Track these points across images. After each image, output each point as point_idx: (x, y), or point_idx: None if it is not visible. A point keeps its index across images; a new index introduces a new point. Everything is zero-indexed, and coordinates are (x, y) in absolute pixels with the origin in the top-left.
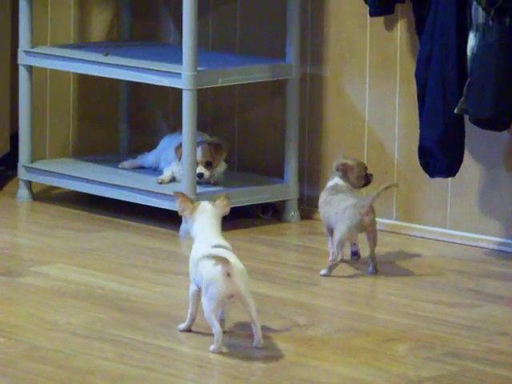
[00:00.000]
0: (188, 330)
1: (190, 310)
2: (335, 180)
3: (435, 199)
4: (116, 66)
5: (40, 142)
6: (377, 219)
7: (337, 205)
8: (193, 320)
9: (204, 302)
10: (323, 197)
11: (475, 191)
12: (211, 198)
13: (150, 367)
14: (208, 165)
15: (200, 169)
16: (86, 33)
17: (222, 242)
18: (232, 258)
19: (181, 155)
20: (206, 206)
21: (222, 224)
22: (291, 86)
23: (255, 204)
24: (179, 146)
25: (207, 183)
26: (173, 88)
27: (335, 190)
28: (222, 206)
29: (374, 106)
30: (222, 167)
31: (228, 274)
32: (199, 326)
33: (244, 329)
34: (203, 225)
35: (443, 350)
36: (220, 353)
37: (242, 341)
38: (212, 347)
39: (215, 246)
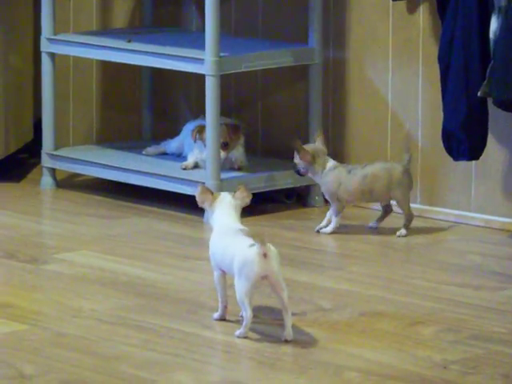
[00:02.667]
0: (223, 318)
1: (219, 298)
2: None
3: (459, 182)
4: (139, 53)
5: (63, 130)
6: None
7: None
8: (225, 307)
9: (237, 284)
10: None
11: (499, 174)
12: (235, 182)
13: (175, 353)
14: (225, 145)
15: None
16: (109, 19)
17: (244, 227)
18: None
19: (196, 137)
20: (225, 197)
21: (247, 210)
22: (314, 71)
23: (279, 189)
24: (195, 129)
25: (231, 168)
26: (196, 74)
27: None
28: (241, 197)
29: (397, 89)
30: (239, 150)
31: (265, 255)
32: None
33: (269, 313)
34: (222, 215)
35: (468, 333)
36: (245, 338)
37: (267, 326)
38: (238, 332)
39: (241, 230)
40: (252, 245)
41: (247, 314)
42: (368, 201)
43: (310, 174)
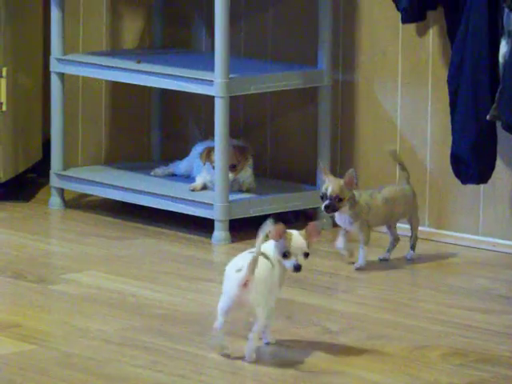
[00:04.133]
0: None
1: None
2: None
3: (467, 206)
4: (148, 74)
5: (72, 150)
6: (409, 226)
7: None
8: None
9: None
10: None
11: (507, 198)
12: (244, 204)
13: (183, 374)
14: (233, 167)
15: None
16: (119, 40)
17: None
18: (261, 267)
19: (205, 160)
20: (297, 239)
21: (255, 232)
22: (323, 93)
23: (287, 211)
24: (203, 151)
25: (239, 190)
26: (205, 95)
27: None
28: (306, 236)
29: (406, 112)
30: (247, 172)
31: (245, 284)
32: (232, 335)
33: (276, 336)
34: None
35: (476, 356)
36: (222, 354)
37: (275, 347)
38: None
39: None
40: (239, 270)
41: (217, 322)
42: (385, 224)
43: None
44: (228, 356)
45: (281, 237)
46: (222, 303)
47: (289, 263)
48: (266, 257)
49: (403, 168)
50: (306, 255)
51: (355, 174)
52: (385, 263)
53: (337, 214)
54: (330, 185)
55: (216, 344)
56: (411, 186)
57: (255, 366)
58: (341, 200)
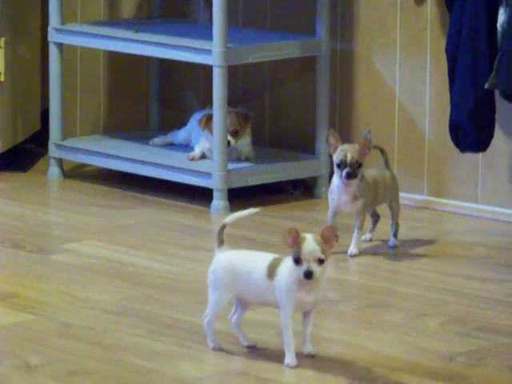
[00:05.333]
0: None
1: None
2: None
3: (466, 174)
4: (146, 43)
5: (71, 120)
6: (409, 195)
7: None
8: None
9: None
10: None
11: (506, 166)
12: (242, 173)
13: (182, 343)
14: (235, 133)
15: (227, 137)
16: (117, 10)
17: (288, 260)
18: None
19: (204, 126)
20: (309, 241)
21: (253, 201)
22: (321, 62)
23: (286, 180)
24: (203, 118)
25: (238, 159)
26: (203, 65)
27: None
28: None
29: (405, 81)
30: (246, 140)
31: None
32: (230, 303)
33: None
34: None
35: (474, 324)
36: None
37: (274, 318)
38: None
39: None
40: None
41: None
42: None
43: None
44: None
45: (296, 241)
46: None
47: (300, 270)
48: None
49: (382, 151)
50: (321, 261)
51: (370, 135)
52: (384, 233)
53: (341, 188)
54: (347, 151)
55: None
56: (391, 170)
57: (254, 334)
58: (360, 166)
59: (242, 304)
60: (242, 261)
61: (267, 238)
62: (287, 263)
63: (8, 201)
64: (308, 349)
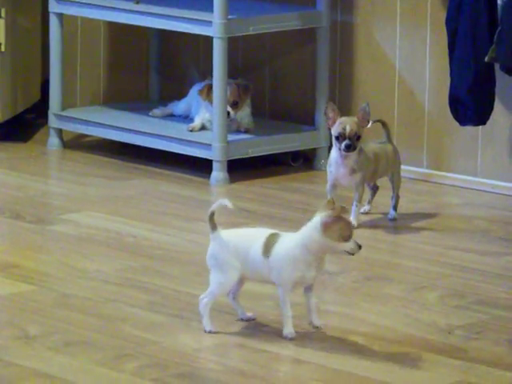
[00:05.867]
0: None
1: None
2: None
3: (466, 147)
4: (147, 14)
5: (71, 90)
6: (408, 168)
7: None
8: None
9: None
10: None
11: (505, 139)
12: (242, 145)
13: (181, 315)
14: (235, 104)
15: (227, 108)
16: None
17: (286, 236)
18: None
19: (206, 97)
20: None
21: (253, 172)
22: (321, 34)
23: (285, 152)
24: (203, 88)
25: (238, 130)
26: (203, 36)
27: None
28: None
29: (405, 54)
30: (246, 111)
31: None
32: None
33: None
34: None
35: (473, 298)
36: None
37: (272, 289)
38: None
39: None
40: None
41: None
42: (370, 182)
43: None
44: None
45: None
46: None
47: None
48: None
49: (384, 124)
50: (358, 138)
51: (368, 108)
52: (383, 205)
53: (339, 161)
54: (346, 123)
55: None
56: (393, 143)
57: (253, 307)
58: (359, 138)
59: (240, 279)
60: (241, 239)
61: (267, 210)
62: (286, 239)
63: (8, 171)
64: (315, 321)
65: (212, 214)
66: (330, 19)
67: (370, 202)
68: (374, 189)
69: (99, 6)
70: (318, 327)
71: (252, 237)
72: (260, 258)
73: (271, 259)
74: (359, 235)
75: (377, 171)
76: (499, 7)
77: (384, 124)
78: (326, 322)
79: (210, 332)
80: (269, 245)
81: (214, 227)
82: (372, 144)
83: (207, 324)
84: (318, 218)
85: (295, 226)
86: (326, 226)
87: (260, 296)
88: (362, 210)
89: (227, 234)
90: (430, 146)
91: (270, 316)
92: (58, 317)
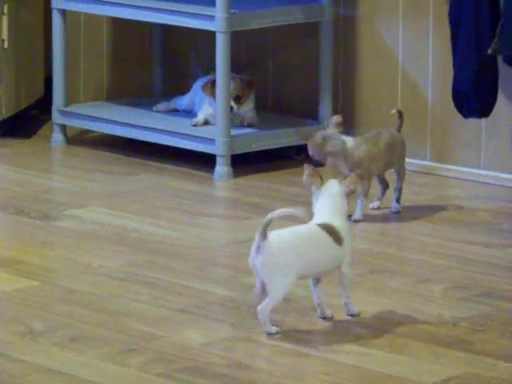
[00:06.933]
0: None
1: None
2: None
3: (469, 140)
4: (149, 9)
5: (74, 86)
6: (412, 160)
7: None
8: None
9: None
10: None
11: (509, 131)
12: (245, 139)
13: (185, 309)
14: (238, 99)
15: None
16: None
17: (333, 221)
18: (288, 234)
19: (209, 92)
20: (332, 184)
21: (256, 166)
22: (325, 28)
23: (289, 146)
24: (207, 83)
25: (241, 125)
26: (206, 30)
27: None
28: (348, 185)
29: (408, 47)
30: (249, 105)
31: (257, 248)
32: (234, 270)
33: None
34: (325, 203)
35: (478, 290)
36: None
37: None
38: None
39: (318, 225)
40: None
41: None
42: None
43: (335, 161)
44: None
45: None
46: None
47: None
48: (327, 227)
49: (401, 116)
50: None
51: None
52: (388, 198)
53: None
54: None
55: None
56: (401, 134)
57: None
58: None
59: (312, 280)
60: (297, 239)
61: (271, 204)
62: (337, 222)
63: (11, 167)
64: (328, 312)
65: (269, 222)
66: (332, 13)
67: (379, 199)
68: (384, 185)
69: (102, 1)
70: (332, 317)
71: (307, 233)
72: (335, 248)
73: (344, 245)
74: (363, 228)
75: (390, 162)
76: None
77: (401, 115)
78: (331, 315)
79: (278, 332)
80: (333, 233)
81: (264, 236)
82: (385, 134)
83: (270, 328)
84: (339, 189)
85: (297, 220)
86: (349, 195)
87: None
88: (371, 206)
89: (279, 239)
90: (434, 138)
91: (275, 309)
92: (62, 312)
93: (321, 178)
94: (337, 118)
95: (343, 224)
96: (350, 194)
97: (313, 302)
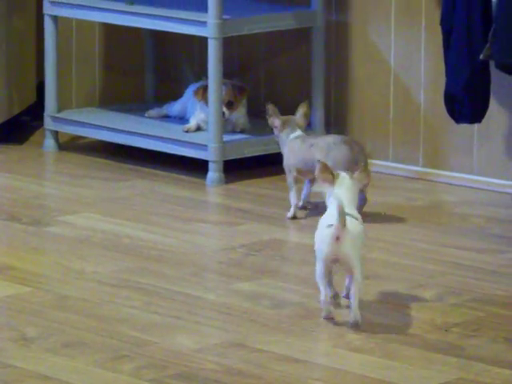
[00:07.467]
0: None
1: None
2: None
3: (461, 145)
4: (141, 15)
5: (66, 92)
6: (404, 166)
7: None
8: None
9: (316, 265)
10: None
11: (501, 137)
12: (238, 145)
13: (177, 315)
14: (230, 104)
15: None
16: None
17: (352, 212)
18: (352, 224)
19: (201, 98)
20: (344, 179)
21: (249, 172)
22: (317, 34)
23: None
24: (200, 88)
25: (233, 131)
26: (198, 36)
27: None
28: (360, 178)
29: (400, 52)
30: (241, 111)
31: (337, 238)
32: (226, 275)
33: (271, 274)
34: (345, 196)
35: (470, 295)
36: (328, 319)
37: (270, 289)
38: (322, 314)
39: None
40: (330, 225)
41: (321, 295)
42: None
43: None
44: (333, 320)
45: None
46: (319, 269)
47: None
48: (355, 217)
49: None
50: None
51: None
52: (380, 203)
53: None
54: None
55: (324, 309)
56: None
57: (250, 306)
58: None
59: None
60: (357, 222)
61: (263, 210)
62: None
63: (3, 173)
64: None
65: (344, 210)
66: (325, 19)
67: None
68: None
69: (94, 7)
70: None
71: (355, 219)
72: (361, 228)
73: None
74: None
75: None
76: (493, 4)
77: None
78: (323, 320)
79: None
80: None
81: (345, 225)
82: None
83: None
84: (351, 181)
85: (292, 225)
86: (361, 188)
87: (258, 295)
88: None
89: (351, 225)
90: (426, 144)
91: (267, 315)
92: (55, 318)
93: (332, 174)
94: (305, 108)
95: (356, 215)
96: (361, 187)
97: (305, 307)
